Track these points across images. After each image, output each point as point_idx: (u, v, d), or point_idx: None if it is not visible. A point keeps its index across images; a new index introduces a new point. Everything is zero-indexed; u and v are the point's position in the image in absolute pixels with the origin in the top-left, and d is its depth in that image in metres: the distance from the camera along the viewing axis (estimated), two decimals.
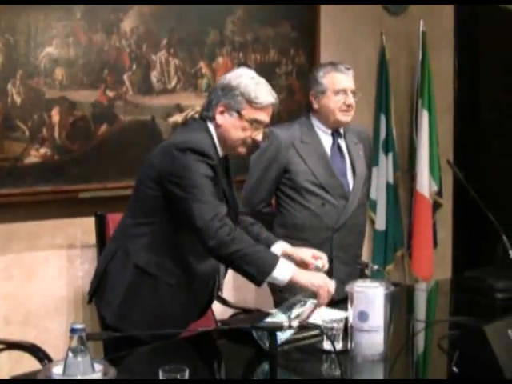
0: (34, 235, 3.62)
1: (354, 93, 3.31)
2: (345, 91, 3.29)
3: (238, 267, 2.48)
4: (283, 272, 2.44)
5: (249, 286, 2.56)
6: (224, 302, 3.78)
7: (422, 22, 5.03)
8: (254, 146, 2.70)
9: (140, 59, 3.84)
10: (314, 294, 2.45)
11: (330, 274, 3.18)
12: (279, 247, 2.76)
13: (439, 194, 5.28)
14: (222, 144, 2.66)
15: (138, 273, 2.63)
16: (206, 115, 2.66)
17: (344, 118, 3.32)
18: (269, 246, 2.75)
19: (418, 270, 5.19)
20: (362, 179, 3.41)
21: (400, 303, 3.22)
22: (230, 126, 2.61)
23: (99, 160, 3.71)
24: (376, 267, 2.64)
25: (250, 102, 2.60)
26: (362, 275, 2.67)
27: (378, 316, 2.31)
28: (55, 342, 3.55)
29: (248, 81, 2.63)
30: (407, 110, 5.33)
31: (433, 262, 5.20)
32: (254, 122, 2.62)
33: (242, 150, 2.67)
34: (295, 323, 1.98)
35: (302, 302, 2.47)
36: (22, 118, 3.47)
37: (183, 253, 2.64)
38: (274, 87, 4.34)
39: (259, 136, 2.64)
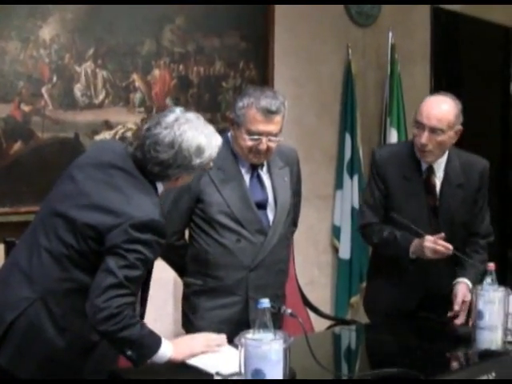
0: None
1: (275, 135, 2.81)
2: (260, 134, 2.79)
3: (118, 347, 2.29)
4: (163, 355, 2.31)
5: None
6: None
7: (390, 34, 4.67)
8: None
9: (62, 71, 3.49)
10: None
11: (245, 317, 2.88)
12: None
13: None
14: None
15: (59, 333, 2.32)
16: (158, 172, 2.41)
17: (255, 160, 2.88)
18: None
19: None
20: (284, 212, 2.97)
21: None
22: (180, 181, 2.54)
23: (11, 181, 3.36)
24: (289, 311, 2.22)
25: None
26: (274, 319, 2.24)
27: (276, 374, 1.92)
28: None
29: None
30: (376, 129, 4.95)
31: None
32: None
33: None
34: None
35: None
36: None
37: None
38: (219, 102, 4.17)
39: None
